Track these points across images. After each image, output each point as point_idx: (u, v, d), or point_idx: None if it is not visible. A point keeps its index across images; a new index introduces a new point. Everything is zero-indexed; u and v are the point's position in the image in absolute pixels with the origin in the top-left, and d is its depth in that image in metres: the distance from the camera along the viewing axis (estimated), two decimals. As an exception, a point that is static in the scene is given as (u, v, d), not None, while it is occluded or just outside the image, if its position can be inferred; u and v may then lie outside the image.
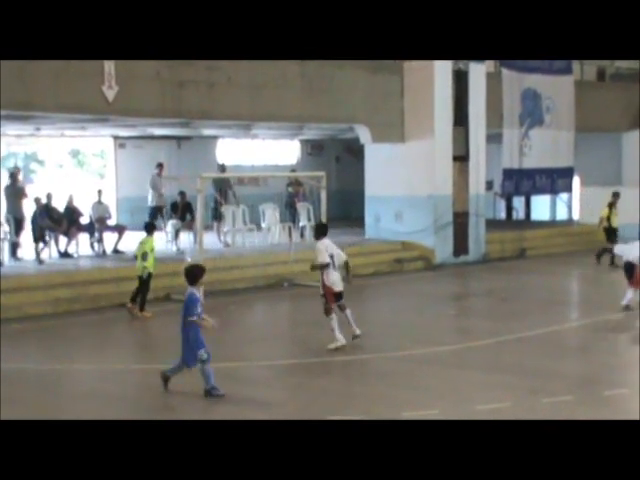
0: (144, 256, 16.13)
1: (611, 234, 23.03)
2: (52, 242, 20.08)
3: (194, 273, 10.38)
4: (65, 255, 19.89)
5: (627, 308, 15.80)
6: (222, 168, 24.16)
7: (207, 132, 25.41)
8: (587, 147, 29.89)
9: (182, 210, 22.38)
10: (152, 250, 16.41)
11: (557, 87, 27.91)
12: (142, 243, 16.44)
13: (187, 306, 10.27)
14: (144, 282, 16.11)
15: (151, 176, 22.97)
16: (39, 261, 19.12)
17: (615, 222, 23.25)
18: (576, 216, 31.65)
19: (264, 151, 30.73)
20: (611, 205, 23.47)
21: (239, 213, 23.25)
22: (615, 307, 16.15)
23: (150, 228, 16.95)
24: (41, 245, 19.68)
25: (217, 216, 22.99)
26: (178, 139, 27.63)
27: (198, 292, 10.49)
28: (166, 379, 10.45)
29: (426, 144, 23.37)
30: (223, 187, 23.38)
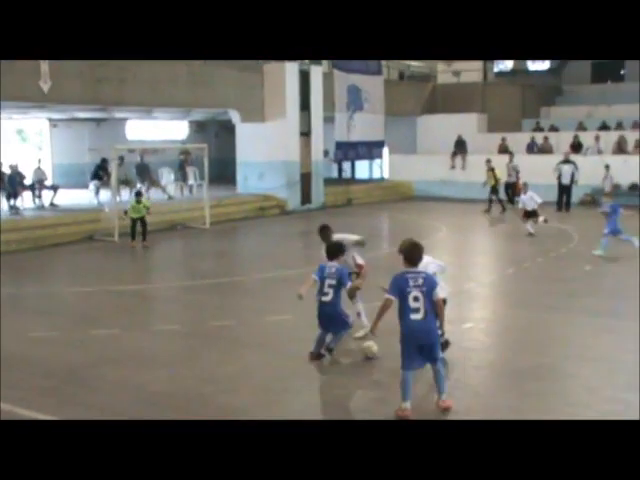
0: (147, 209, 16.80)
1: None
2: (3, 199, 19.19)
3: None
4: (13, 208, 19.18)
5: None
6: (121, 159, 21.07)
7: (119, 115, 24.38)
8: (393, 127, 30.02)
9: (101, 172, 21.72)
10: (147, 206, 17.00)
11: (371, 83, 27.81)
12: (141, 205, 16.65)
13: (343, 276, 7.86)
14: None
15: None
16: (15, 211, 18.78)
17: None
18: (386, 175, 31.44)
19: (162, 129, 29.57)
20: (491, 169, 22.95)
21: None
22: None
23: (139, 195, 17.28)
24: (12, 201, 19.05)
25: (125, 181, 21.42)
26: (97, 120, 26.37)
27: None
28: (330, 351, 7.96)
29: (280, 123, 23.36)
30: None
